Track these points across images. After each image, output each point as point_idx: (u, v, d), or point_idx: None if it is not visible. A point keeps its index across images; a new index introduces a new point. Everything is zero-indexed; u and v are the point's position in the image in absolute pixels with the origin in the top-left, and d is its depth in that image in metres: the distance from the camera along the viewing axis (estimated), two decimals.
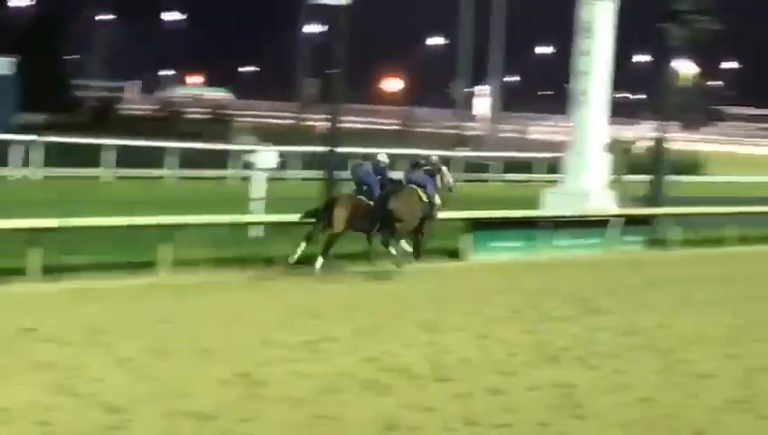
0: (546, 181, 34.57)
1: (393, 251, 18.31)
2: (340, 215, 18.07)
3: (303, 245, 17.87)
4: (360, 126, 52.94)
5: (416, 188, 18.78)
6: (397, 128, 55.61)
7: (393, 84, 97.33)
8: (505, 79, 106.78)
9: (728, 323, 14.82)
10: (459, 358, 12.14)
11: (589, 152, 25.03)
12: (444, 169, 20.00)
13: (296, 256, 17.72)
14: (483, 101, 58.25)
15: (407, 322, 14.18)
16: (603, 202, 24.74)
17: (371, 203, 18.33)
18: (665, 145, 27.45)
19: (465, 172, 39.95)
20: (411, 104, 77.75)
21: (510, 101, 76.84)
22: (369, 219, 18.30)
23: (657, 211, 25.89)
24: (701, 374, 11.69)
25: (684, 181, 34.53)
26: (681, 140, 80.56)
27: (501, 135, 54.96)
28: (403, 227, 18.45)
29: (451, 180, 19.99)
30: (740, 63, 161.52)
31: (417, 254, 18.82)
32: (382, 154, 19.47)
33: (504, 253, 21.68)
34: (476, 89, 60.15)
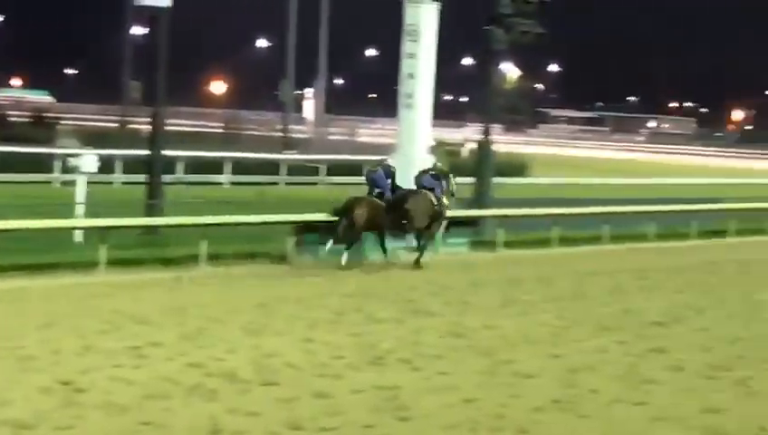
0: None
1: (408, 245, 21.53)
2: (360, 214, 20.89)
3: (331, 242, 20.63)
4: (186, 129, 52.42)
5: (427, 191, 21.55)
6: (222, 131, 55.13)
7: (219, 87, 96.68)
8: (335, 81, 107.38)
9: (551, 324, 15.03)
10: (284, 362, 12.05)
11: (414, 154, 25.15)
12: (450, 175, 22.65)
13: (327, 249, 20.65)
14: (311, 104, 58.22)
15: (231, 326, 14.04)
16: None
17: (384, 204, 21.12)
18: (489, 147, 27.77)
19: (292, 175, 39.93)
20: (240, 107, 77.32)
21: (338, 104, 77.11)
22: (383, 218, 21.13)
23: (483, 213, 26.18)
24: (524, 374, 11.82)
25: (509, 183, 35.11)
26: (506, 143, 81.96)
27: (330, 138, 54.97)
28: (414, 226, 21.24)
29: (455, 186, 22.69)
30: (561, 66, 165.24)
31: (423, 248, 21.34)
32: (391, 160, 22.73)
33: (329, 255, 21.63)
34: (305, 91, 60.08)
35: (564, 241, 26.50)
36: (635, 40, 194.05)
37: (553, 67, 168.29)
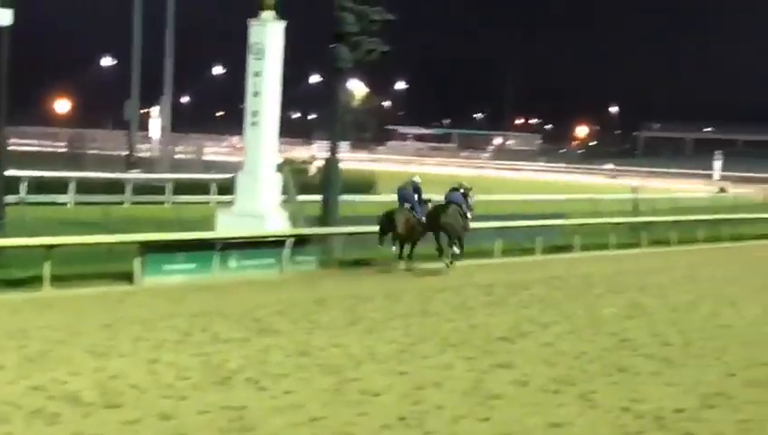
0: (220, 202, 34.56)
1: (451, 252, 24.84)
2: (402, 223, 24.81)
3: (395, 248, 25.06)
4: (30, 148, 51.44)
5: (458, 206, 25.19)
6: (66, 150, 54.23)
7: (63, 105, 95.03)
8: (181, 99, 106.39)
9: (397, 341, 15.06)
10: (128, 384, 11.84)
11: (261, 172, 25.09)
12: (472, 191, 26.54)
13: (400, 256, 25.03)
14: (157, 122, 57.58)
15: (75, 348, 13.76)
16: (276, 222, 24.84)
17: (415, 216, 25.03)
18: (337, 164, 27.82)
19: (138, 194, 39.44)
20: (84, 125, 76.14)
21: (184, 122, 76.39)
22: (416, 229, 25.06)
23: (330, 230, 26.20)
24: (371, 392, 11.81)
25: (356, 200, 35.21)
26: (354, 160, 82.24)
27: (176, 156, 54.47)
28: (449, 236, 24.84)
29: (473, 201, 26.31)
30: (408, 84, 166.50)
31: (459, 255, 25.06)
32: (417, 177, 26.81)
33: (176, 275, 21.46)
34: (151, 110, 59.41)
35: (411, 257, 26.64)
36: (480, 57, 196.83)
37: (400, 84, 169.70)
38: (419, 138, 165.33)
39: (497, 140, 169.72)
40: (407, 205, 25.25)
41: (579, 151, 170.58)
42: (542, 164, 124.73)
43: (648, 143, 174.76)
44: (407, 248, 25.32)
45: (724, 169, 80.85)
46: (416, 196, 25.63)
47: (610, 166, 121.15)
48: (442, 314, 17.90)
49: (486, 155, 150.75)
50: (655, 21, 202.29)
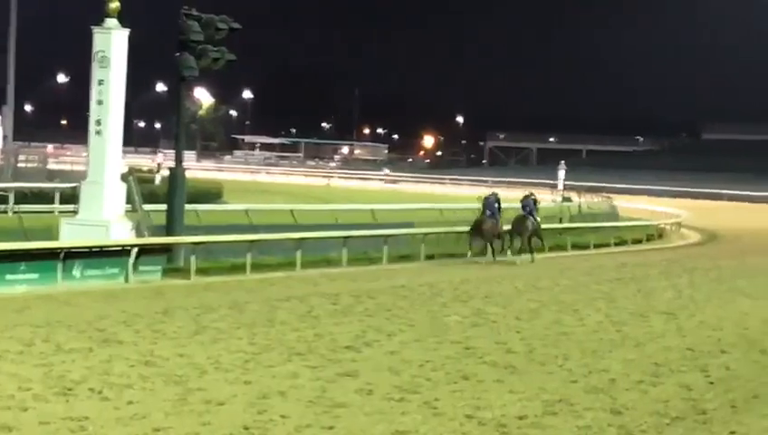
0: (64, 211, 33.99)
1: (526, 254, 33.22)
2: (489, 229, 32.33)
3: (490, 247, 32.91)
4: None
5: (530, 215, 33.24)
6: None
7: None
8: (24, 108, 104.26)
9: (242, 350, 15.00)
10: None
11: (105, 181, 24.79)
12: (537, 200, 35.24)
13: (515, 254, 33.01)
14: None
15: None
16: (120, 232, 24.55)
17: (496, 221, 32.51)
18: (182, 173, 27.62)
19: None
20: None
21: (28, 130, 74.91)
22: (497, 234, 32.80)
23: (175, 240, 26.01)
24: (215, 402, 11.74)
25: (202, 210, 35.00)
26: (200, 169, 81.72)
27: (19, 165, 53.33)
28: (523, 237, 33.19)
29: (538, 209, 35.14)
30: (254, 93, 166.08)
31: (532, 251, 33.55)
32: (495, 191, 35.20)
33: (19, 285, 21.08)
34: None
35: (258, 267, 26.66)
36: (327, 67, 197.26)
37: (247, 93, 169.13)
38: (266, 147, 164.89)
39: (344, 150, 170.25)
40: (488, 212, 32.42)
41: (424, 161, 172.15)
42: (389, 173, 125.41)
43: (494, 153, 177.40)
44: (495, 246, 32.89)
45: (569, 178, 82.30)
46: (496, 205, 32.74)
47: (386, 171, 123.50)
48: (288, 323, 17.89)
49: (333, 164, 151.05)
50: (500, 34, 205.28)
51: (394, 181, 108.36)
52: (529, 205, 33.64)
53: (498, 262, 32.33)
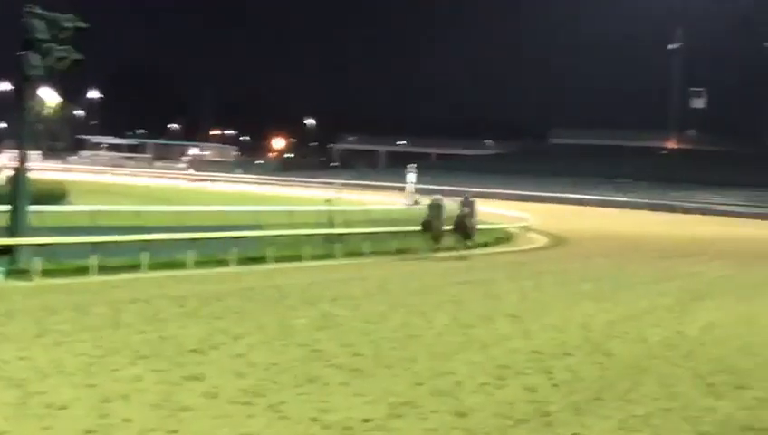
0: None
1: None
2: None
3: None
4: None
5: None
6: None
7: None
8: None
9: (86, 353, 14.75)
10: None
11: None
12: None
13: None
14: None
15: None
16: None
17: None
18: (26, 174, 27.07)
19: None
20: None
21: None
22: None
23: (18, 241, 25.50)
24: (57, 405, 11.52)
25: (47, 211, 34.33)
26: (45, 169, 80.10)
27: None
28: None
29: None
30: (102, 93, 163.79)
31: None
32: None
33: None
34: None
35: (103, 269, 26.27)
36: (176, 67, 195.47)
37: (94, 93, 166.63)
38: (113, 147, 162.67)
39: (193, 151, 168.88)
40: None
41: (275, 163, 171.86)
42: (238, 175, 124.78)
43: (344, 156, 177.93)
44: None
45: (418, 181, 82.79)
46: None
47: (239, 172, 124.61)
48: (133, 325, 17.65)
49: (182, 166, 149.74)
50: (352, 38, 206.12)
51: (201, 180, 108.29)
52: (469, 205, 39.68)
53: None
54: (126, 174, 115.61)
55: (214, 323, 18.41)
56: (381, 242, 38.61)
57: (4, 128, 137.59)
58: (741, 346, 18.01)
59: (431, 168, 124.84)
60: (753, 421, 12.27)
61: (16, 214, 26.43)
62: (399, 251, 37.86)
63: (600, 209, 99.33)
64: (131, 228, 31.83)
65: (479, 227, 45.80)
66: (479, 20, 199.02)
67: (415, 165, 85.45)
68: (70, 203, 45.53)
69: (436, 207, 39.11)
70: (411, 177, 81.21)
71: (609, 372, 15.06)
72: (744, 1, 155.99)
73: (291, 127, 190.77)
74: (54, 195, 44.81)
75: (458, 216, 39.22)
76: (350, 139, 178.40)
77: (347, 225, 42.11)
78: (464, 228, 38.89)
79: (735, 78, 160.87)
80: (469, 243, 39.40)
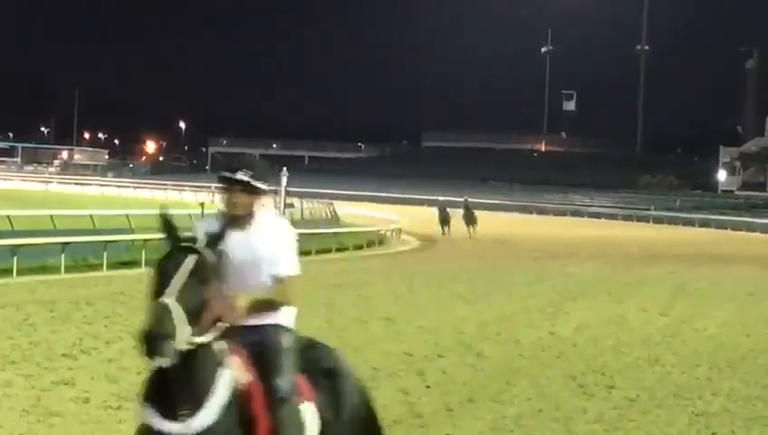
0: None
1: None
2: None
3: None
4: None
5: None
6: None
7: None
8: None
9: None
10: None
11: None
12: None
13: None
14: None
15: None
16: None
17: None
18: None
19: None
20: None
21: None
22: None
23: None
24: None
25: None
26: None
27: None
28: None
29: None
30: None
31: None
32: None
33: None
34: None
35: None
36: (45, 69, 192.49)
37: None
38: None
39: (63, 155, 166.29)
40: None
41: (146, 167, 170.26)
42: (110, 179, 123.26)
43: (217, 158, 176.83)
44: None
45: (290, 184, 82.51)
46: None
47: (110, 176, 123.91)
48: (2, 330, 17.32)
49: (53, 169, 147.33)
50: (222, 40, 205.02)
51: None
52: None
53: None
54: None
55: (85, 327, 18.17)
56: None
57: None
58: (612, 346, 18.35)
59: (303, 170, 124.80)
60: (623, 421, 12.50)
61: None
62: None
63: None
64: (1, 232, 31.24)
65: (352, 229, 45.97)
66: (351, 20, 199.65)
67: (285, 168, 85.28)
68: None
69: None
70: (284, 180, 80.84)
71: (481, 374, 15.23)
72: (613, 4, 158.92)
73: (163, 130, 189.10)
74: None
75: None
76: (223, 141, 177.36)
77: None
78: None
79: (606, 81, 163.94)
80: None
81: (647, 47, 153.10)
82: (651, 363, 16.67)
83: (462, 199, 64.81)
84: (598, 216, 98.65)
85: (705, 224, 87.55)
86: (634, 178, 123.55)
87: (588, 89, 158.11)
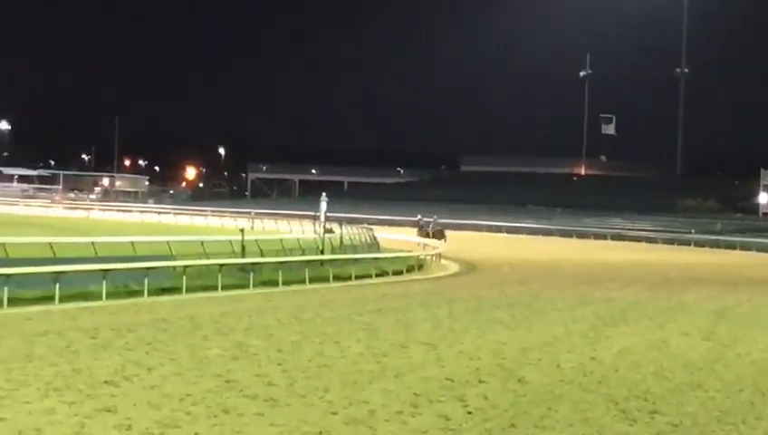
0: None
1: None
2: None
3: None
4: None
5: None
6: None
7: None
8: None
9: None
10: None
11: None
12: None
13: None
14: None
15: None
16: None
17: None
18: None
19: None
20: None
21: None
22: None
23: None
24: None
25: None
26: None
27: None
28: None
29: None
30: (11, 124, 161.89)
31: None
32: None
33: None
34: None
35: (14, 301, 25.97)
36: (86, 98, 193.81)
37: (3, 125, 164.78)
38: (24, 179, 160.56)
39: (104, 182, 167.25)
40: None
41: (186, 193, 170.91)
42: (150, 205, 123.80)
43: (257, 184, 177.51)
44: None
45: (330, 210, 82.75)
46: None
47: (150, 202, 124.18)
48: (45, 358, 17.43)
49: (93, 196, 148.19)
50: (265, 67, 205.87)
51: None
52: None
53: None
54: (37, 205, 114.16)
55: (127, 354, 18.25)
56: (295, 271, 38.55)
57: None
58: (654, 371, 18.23)
59: (343, 196, 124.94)
60: None
61: None
62: (312, 280, 37.80)
63: (513, 236, 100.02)
64: (43, 260, 31.46)
65: (392, 255, 45.92)
66: (387, 46, 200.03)
67: (324, 194, 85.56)
68: None
69: None
70: (323, 205, 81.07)
71: (522, 399, 15.16)
72: (652, 29, 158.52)
73: (203, 156, 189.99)
74: None
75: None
76: (263, 168, 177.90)
77: (260, 254, 41.97)
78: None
79: (645, 104, 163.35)
80: None
81: (686, 70, 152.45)
82: (694, 388, 16.56)
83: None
84: (638, 239, 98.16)
85: (746, 247, 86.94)
86: (674, 201, 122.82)
87: (627, 112, 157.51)
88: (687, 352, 21.25)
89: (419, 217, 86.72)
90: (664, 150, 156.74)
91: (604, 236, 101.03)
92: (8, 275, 26.46)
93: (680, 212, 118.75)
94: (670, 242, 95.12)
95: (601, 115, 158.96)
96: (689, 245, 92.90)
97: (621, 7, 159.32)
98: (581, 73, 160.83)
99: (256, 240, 45.42)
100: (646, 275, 50.23)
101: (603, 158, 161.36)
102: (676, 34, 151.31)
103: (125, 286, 30.67)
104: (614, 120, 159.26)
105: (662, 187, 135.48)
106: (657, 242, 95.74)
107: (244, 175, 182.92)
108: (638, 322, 27.18)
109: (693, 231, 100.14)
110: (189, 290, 31.99)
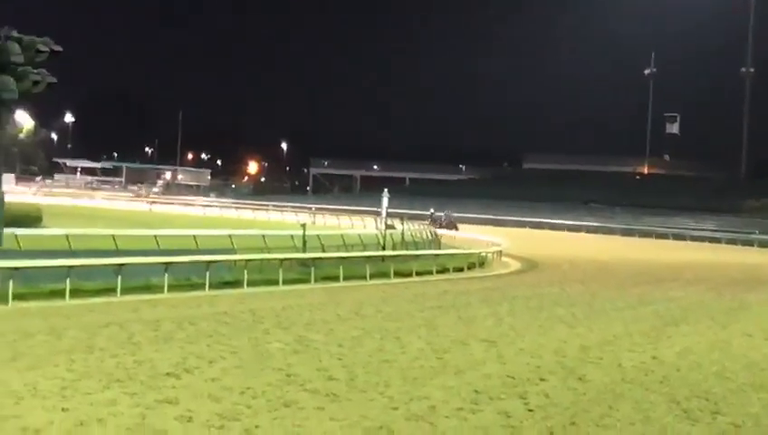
0: None
1: None
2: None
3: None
4: None
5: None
6: None
7: None
8: None
9: (60, 377, 14.69)
10: None
11: None
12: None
13: None
14: None
15: None
16: None
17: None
18: (1, 197, 26.99)
19: None
20: None
21: None
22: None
23: None
24: (32, 429, 11.48)
25: (22, 234, 34.16)
26: (20, 193, 79.68)
27: None
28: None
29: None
30: (75, 117, 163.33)
31: None
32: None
33: None
34: None
35: (77, 293, 26.18)
36: (149, 91, 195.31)
37: (68, 117, 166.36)
38: (87, 171, 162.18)
39: (167, 175, 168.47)
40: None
41: (248, 187, 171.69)
42: (212, 199, 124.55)
43: (318, 180, 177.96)
44: None
45: (392, 206, 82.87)
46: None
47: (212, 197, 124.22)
48: (107, 349, 17.59)
49: (156, 189, 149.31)
50: (323, 62, 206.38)
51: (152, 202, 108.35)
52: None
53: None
54: (101, 197, 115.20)
55: (188, 347, 18.36)
56: (356, 266, 38.60)
57: None
58: (716, 372, 18.07)
59: (404, 192, 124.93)
60: None
61: None
62: (374, 276, 37.82)
63: (574, 234, 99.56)
64: (106, 252, 31.74)
65: (453, 251, 45.86)
66: (452, 44, 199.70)
67: (386, 190, 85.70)
68: (44, 226, 45.33)
69: None
70: (384, 201, 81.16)
71: (583, 397, 15.08)
72: (718, 27, 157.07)
73: (265, 151, 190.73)
74: (29, 218, 44.62)
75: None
76: (325, 163, 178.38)
77: (321, 249, 42.07)
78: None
79: (710, 103, 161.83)
80: None
81: (752, 69, 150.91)
82: (757, 389, 16.39)
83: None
84: (701, 239, 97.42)
85: None
86: (738, 201, 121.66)
87: (691, 111, 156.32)
88: (750, 352, 21.04)
89: (432, 210, 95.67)
90: (728, 150, 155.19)
91: (666, 236, 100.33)
92: (71, 267, 26.71)
93: (744, 212, 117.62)
94: (733, 242, 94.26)
95: (665, 114, 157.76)
96: (753, 245, 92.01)
97: (687, 5, 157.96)
98: (646, 72, 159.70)
99: (318, 235, 45.53)
100: (708, 276, 49.81)
101: (667, 157, 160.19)
102: (743, 33, 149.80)
103: (187, 279, 30.85)
104: (678, 119, 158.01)
105: (726, 187, 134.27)
106: (720, 242, 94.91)
107: (306, 170, 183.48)
108: (700, 322, 26.96)
109: (757, 231, 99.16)
110: (250, 284, 32.13)
